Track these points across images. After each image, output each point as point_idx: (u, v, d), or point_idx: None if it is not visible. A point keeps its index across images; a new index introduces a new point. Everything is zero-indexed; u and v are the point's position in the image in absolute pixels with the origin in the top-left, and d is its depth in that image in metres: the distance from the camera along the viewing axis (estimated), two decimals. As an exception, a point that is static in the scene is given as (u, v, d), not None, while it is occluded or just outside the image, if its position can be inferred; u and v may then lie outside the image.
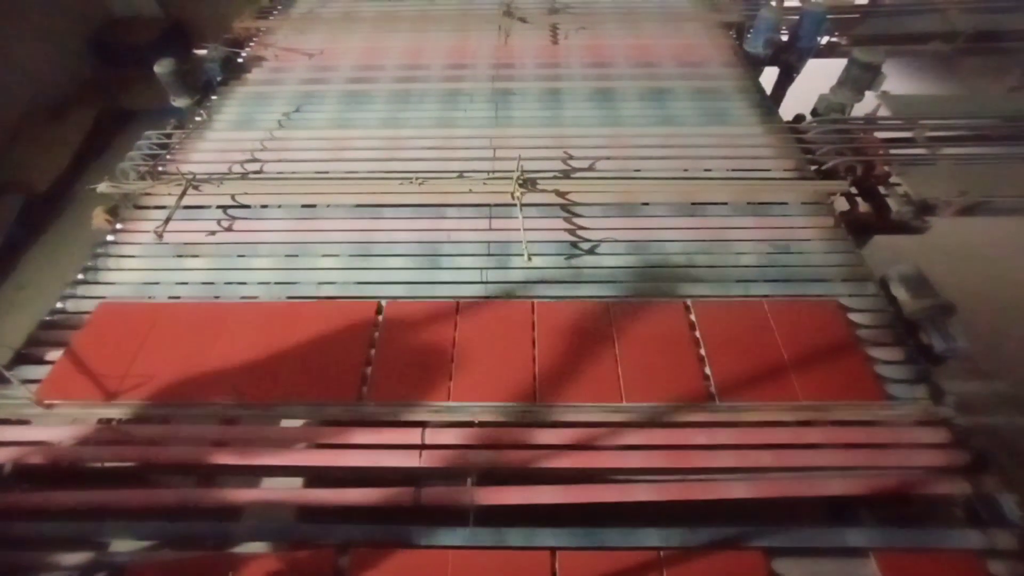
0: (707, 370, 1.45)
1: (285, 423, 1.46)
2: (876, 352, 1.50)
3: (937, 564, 1.14)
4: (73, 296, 1.72)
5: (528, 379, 1.43)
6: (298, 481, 1.45)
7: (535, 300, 1.61)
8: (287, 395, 1.42)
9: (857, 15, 3.15)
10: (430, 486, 1.27)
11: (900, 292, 1.61)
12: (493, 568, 1.14)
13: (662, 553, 1.15)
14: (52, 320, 1.66)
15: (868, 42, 2.94)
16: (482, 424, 1.37)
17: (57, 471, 1.36)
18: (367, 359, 1.49)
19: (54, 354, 1.56)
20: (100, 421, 1.42)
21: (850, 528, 1.21)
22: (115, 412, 1.43)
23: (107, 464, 1.35)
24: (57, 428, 1.40)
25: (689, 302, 1.60)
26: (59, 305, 1.70)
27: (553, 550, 1.15)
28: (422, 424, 1.36)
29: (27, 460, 1.33)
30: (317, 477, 1.41)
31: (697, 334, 1.52)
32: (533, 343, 1.50)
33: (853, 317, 1.59)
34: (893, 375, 1.45)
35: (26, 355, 1.56)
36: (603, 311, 1.57)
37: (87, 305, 1.69)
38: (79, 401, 1.44)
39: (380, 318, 1.59)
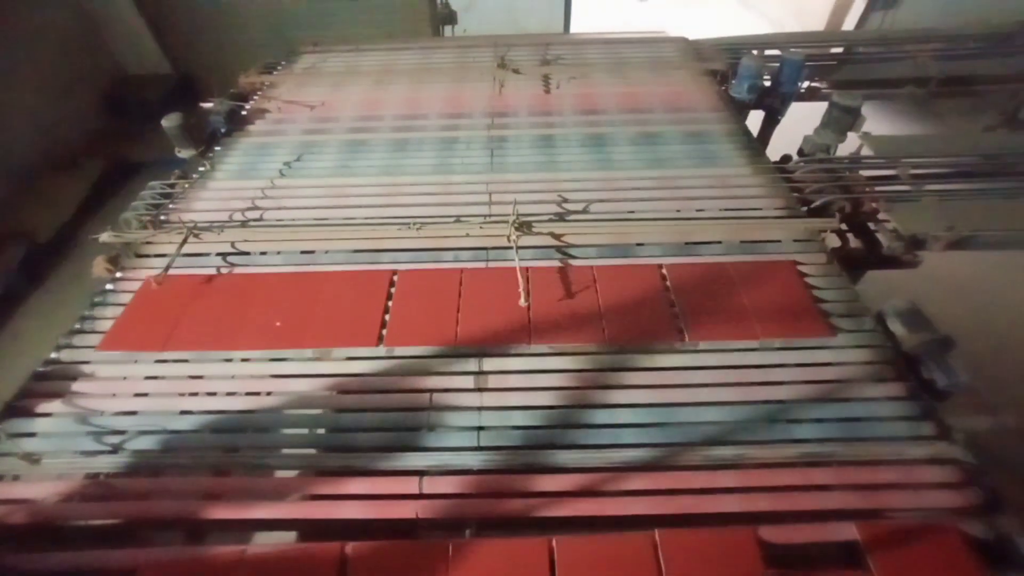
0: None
1: (279, 474, 1.43)
2: (878, 389, 1.49)
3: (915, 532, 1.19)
4: (69, 346, 1.71)
5: (524, 323, 1.67)
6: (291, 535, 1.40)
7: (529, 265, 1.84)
8: (317, 343, 1.66)
9: (834, 62, 3.30)
10: (427, 538, 1.23)
11: (897, 327, 1.61)
12: (493, 553, 1.19)
13: (657, 534, 1.19)
14: (45, 371, 1.65)
15: (846, 86, 3.08)
16: (480, 472, 1.34)
17: (43, 530, 1.31)
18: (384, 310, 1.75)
19: (46, 406, 1.53)
20: (87, 476, 1.38)
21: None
22: (163, 366, 1.54)
23: (93, 522, 1.31)
24: (43, 484, 1.36)
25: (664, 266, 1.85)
26: (53, 355, 1.69)
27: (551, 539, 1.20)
28: (419, 473, 1.33)
29: (10, 520, 1.29)
30: (312, 530, 1.36)
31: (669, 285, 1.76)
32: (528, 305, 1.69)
33: (850, 355, 1.58)
34: (896, 412, 1.43)
35: (16, 408, 1.54)
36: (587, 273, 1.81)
37: (83, 355, 1.68)
38: (135, 352, 1.70)
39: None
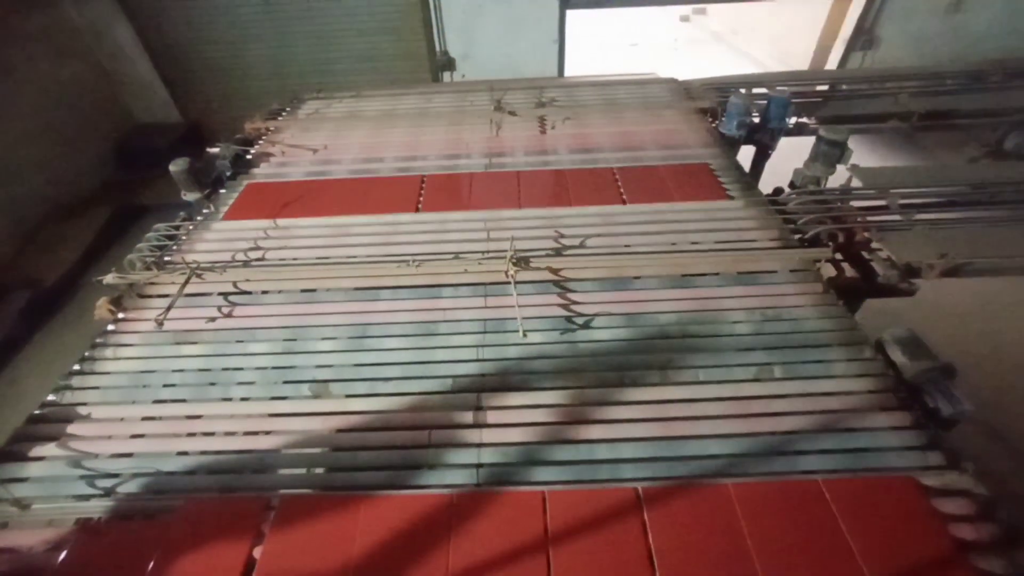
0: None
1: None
2: (883, 418, 1.47)
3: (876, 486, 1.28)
4: (67, 388, 1.71)
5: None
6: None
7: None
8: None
9: (819, 99, 3.43)
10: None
11: (897, 355, 1.60)
12: (494, 504, 1.29)
13: (640, 488, 1.30)
14: (42, 414, 1.63)
15: (833, 121, 3.18)
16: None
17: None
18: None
19: (41, 449, 1.51)
20: (77, 522, 1.35)
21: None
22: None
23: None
24: (33, 532, 1.33)
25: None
26: (51, 398, 1.68)
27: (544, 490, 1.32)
28: (418, 513, 1.30)
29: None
30: None
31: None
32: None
33: (852, 384, 1.57)
34: (904, 442, 1.41)
35: (8, 452, 1.52)
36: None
37: (80, 397, 1.67)
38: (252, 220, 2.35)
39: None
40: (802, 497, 1.29)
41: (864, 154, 2.60)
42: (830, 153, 2.57)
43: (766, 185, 2.68)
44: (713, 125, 3.10)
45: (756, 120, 3.10)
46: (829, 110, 3.35)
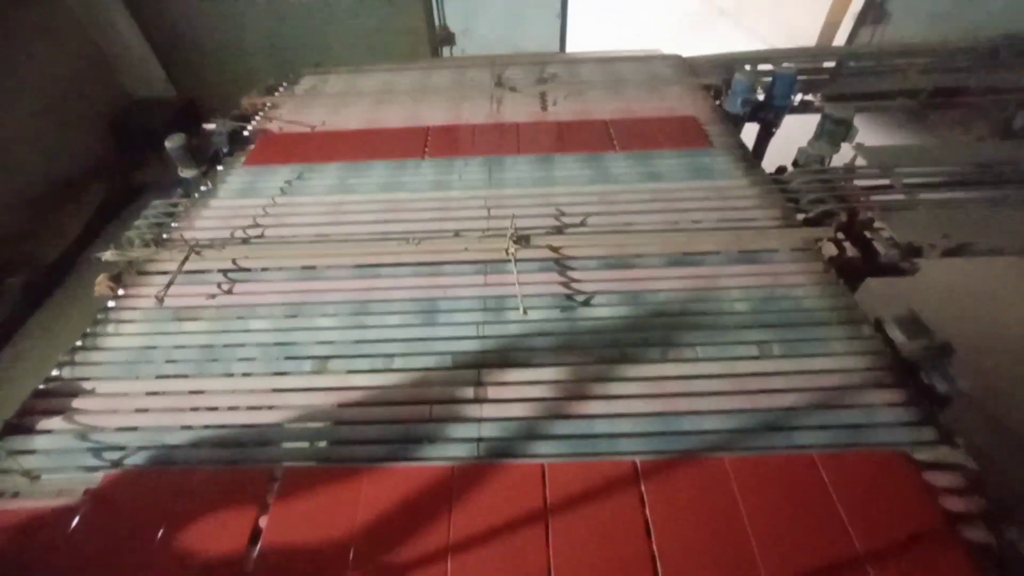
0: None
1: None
2: (879, 395, 1.48)
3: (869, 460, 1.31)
4: (70, 363, 1.72)
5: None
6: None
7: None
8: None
9: (826, 76, 3.37)
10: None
11: (896, 334, 1.61)
12: (494, 476, 1.32)
13: (638, 461, 1.32)
14: (47, 389, 1.65)
15: (838, 99, 3.13)
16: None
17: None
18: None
19: (46, 423, 1.54)
20: (86, 492, 1.37)
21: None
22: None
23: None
24: (44, 501, 1.36)
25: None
26: (55, 373, 1.69)
27: (543, 463, 1.34)
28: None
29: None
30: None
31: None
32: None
33: (849, 362, 1.58)
34: (898, 418, 1.43)
35: (16, 425, 1.54)
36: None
37: (83, 372, 1.69)
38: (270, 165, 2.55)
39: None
40: (796, 471, 1.32)
41: (869, 133, 2.57)
42: (835, 131, 2.54)
43: (769, 164, 2.66)
44: (718, 103, 3.06)
45: (761, 98, 3.06)
46: (835, 88, 3.30)
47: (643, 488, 1.29)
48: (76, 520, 1.29)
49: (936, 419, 1.42)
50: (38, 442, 1.49)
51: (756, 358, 1.61)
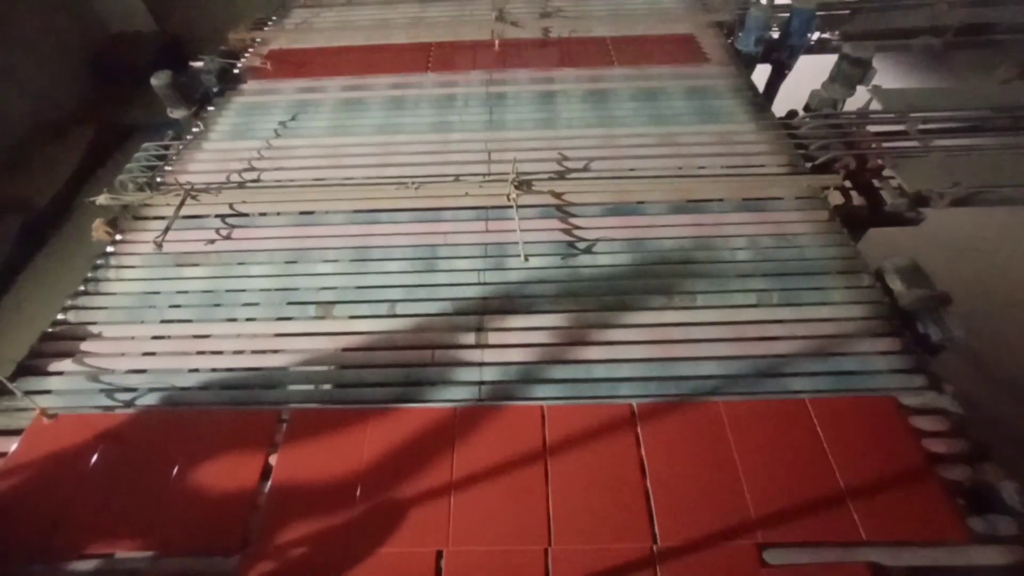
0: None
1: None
2: (873, 343, 1.51)
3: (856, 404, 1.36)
4: (74, 308, 1.73)
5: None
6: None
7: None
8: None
9: (846, 11, 3.17)
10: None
11: (896, 283, 1.62)
12: (495, 418, 1.37)
13: (635, 404, 1.36)
14: (53, 332, 1.67)
15: (858, 38, 2.96)
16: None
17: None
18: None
19: (57, 365, 1.57)
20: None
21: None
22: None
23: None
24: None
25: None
26: (60, 317, 1.71)
27: (543, 405, 1.39)
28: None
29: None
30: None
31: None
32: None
33: (847, 311, 1.59)
34: (891, 366, 1.46)
35: (28, 367, 1.57)
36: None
37: (88, 316, 1.71)
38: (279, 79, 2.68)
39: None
40: (787, 414, 1.36)
41: (886, 76, 2.45)
42: (852, 73, 2.42)
43: (780, 108, 2.56)
44: (730, 41, 2.90)
45: (776, 36, 2.90)
46: (856, 24, 3.11)
47: (639, 429, 1.34)
48: (95, 458, 1.35)
49: (927, 367, 1.45)
50: (51, 383, 1.53)
51: (755, 306, 1.62)
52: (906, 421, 1.33)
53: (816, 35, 2.97)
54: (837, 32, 3.07)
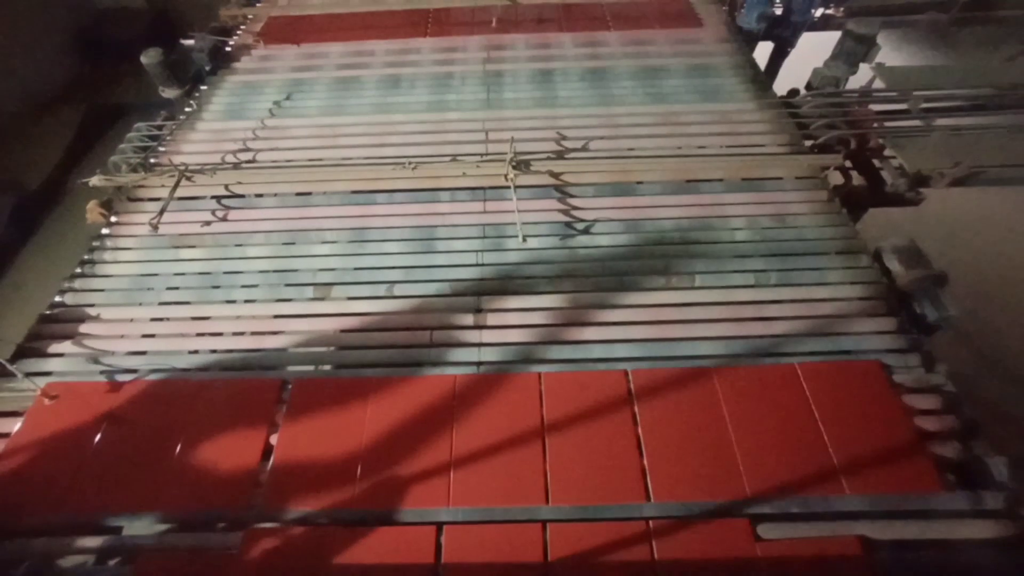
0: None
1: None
2: (869, 323, 1.52)
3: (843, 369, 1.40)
4: (72, 290, 1.73)
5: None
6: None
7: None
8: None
9: (851, -13, 3.11)
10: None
11: (894, 264, 1.62)
12: (493, 386, 1.40)
13: (629, 372, 1.40)
14: (52, 314, 1.67)
15: (862, 13, 2.92)
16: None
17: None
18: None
19: (56, 347, 1.57)
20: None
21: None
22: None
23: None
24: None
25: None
26: (58, 299, 1.71)
27: (540, 372, 1.42)
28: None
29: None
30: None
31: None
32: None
33: (845, 291, 1.60)
34: (886, 345, 1.47)
35: (28, 349, 1.58)
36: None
37: (86, 299, 1.70)
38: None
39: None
40: (778, 376, 1.39)
41: (889, 53, 2.41)
42: (855, 50, 2.38)
43: (782, 86, 2.52)
44: (731, 18, 2.84)
45: (778, 12, 2.84)
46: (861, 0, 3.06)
47: (633, 396, 1.37)
48: (99, 437, 1.36)
49: (922, 346, 1.46)
50: (51, 364, 1.53)
51: (752, 286, 1.63)
52: (890, 382, 1.37)
53: (820, 11, 2.92)
54: (841, 8, 3.02)
